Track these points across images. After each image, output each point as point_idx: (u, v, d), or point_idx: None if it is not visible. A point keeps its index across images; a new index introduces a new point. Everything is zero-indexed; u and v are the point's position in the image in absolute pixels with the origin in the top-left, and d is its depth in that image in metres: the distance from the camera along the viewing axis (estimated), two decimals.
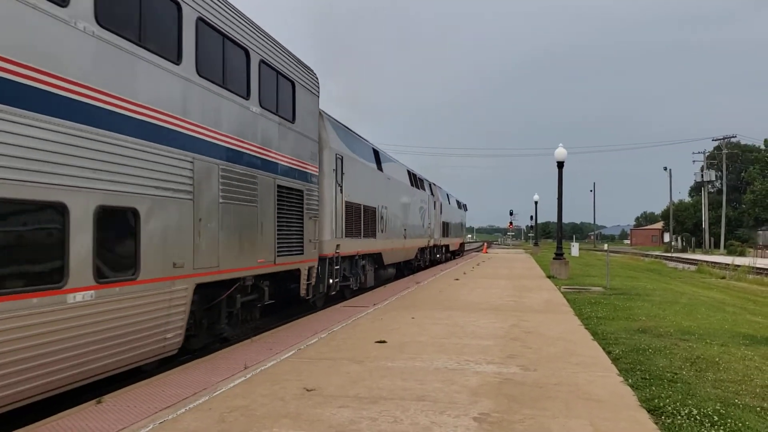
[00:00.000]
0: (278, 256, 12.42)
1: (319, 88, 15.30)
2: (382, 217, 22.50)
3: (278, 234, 12.39)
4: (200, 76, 9.64)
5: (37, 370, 6.34)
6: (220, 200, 10.05)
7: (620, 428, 6.03)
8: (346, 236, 17.52)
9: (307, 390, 7.30)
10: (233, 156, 10.58)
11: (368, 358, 9.13)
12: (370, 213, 20.70)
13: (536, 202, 61.95)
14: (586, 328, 12.05)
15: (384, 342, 10.34)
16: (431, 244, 35.57)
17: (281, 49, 13.09)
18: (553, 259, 27.22)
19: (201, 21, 9.72)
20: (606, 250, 28.48)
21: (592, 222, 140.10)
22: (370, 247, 20.79)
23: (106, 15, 7.48)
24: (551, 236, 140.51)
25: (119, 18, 7.83)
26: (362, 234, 19.55)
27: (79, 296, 6.83)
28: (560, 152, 26.15)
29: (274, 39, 12.73)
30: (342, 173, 17.26)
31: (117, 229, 7.71)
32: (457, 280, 24.08)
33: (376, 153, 22.96)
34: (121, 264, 7.67)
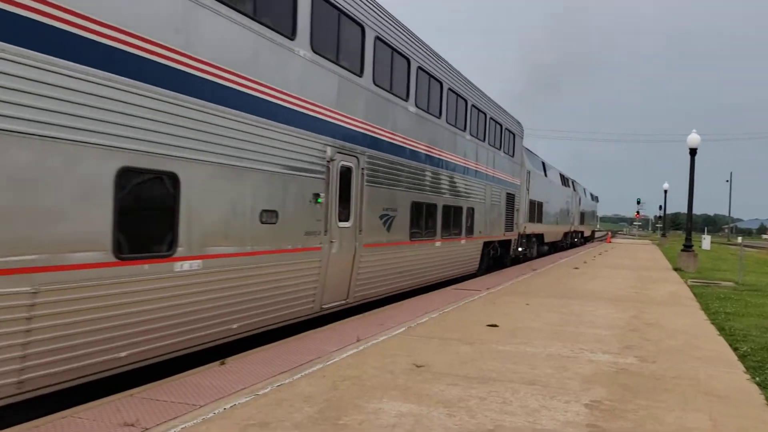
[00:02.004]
0: (505, 231, 22.50)
1: (523, 132, 25.85)
2: (544, 209, 31.98)
3: (506, 220, 22.54)
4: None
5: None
6: (491, 202, 20.55)
7: (743, 426, 5.71)
8: (528, 221, 27.57)
9: (417, 366, 7.43)
10: (496, 180, 21.18)
11: (479, 340, 9.14)
12: (539, 206, 30.36)
13: (666, 191, 58.89)
14: (713, 323, 11.42)
15: (496, 326, 10.29)
16: (572, 229, 44.63)
17: (509, 115, 23.07)
18: (681, 250, 25.86)
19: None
20: (740, 244, 26.71)
21: (727, 214, 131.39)
22: (538, 229, 30.56)
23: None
24: (681, 228, 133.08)
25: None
26: (535, 220, 29.59)
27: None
28: (693, 138, 24.69)
29: (501, 107, 21.76)
30: (528, 181, 27.50)
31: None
32: (576, 269, 23.44)
33: (543, 164, 33.71)
34: None
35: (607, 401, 6.29)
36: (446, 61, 15.98)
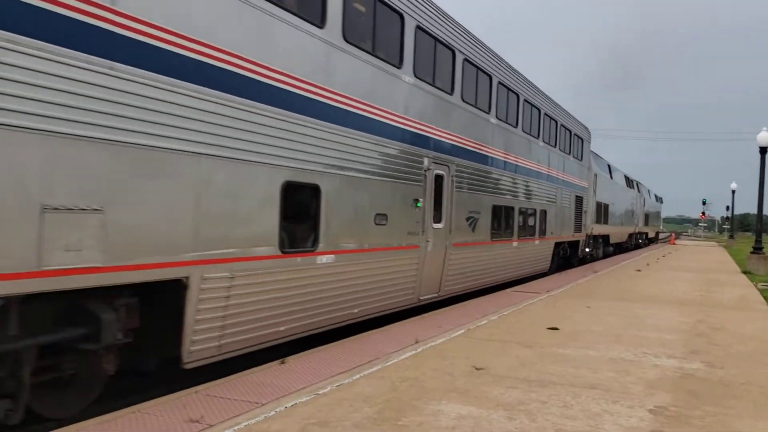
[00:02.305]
0: (574, 232, 23.60)
1: (590, 137, 26.99)
2: (610, 210, 32.53)
3: (575, 221, 23.51)
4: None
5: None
6: (562, 204, 21.62)
7: None
8: (595, 223, 28.30)
9: (476, 368, 7.39)
10: (566, 183, 22.34)
11: (539, 343, 9.03)
12: (605, 207, 31.03)
13: (733, 191, 56.95)
14: None
15: (556, 329, 10.14)
16: (636, 231, 44.75)
17: (577, 121, 24.43)
18: (750, 253, 24.95)
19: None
20: None
21: None
22: (604, 230, 31.27)
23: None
24: (749, 229, 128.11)
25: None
26: (602, 221, 30.30)
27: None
28: (763, 137, 23.81)
29: (570, 114, 23.13)
30: (595, 183, 28.15)
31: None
32: (638, 271, 22.88)
33: (609, 166, 34.59)
34: None
35: (672, 407, 6.13)
36: (522, 75, 17.47)
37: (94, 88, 5.44)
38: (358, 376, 6.92)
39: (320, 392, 6.28)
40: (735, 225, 69.94)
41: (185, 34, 6.36)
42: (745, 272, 24.00)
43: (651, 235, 56.57)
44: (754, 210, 26.88)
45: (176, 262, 6.33)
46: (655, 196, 60.94)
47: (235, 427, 5.24)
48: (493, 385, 6.73)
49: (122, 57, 5.69)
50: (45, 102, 5.05)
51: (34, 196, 4.99)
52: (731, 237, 62.71)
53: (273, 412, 5.64)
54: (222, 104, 6.83)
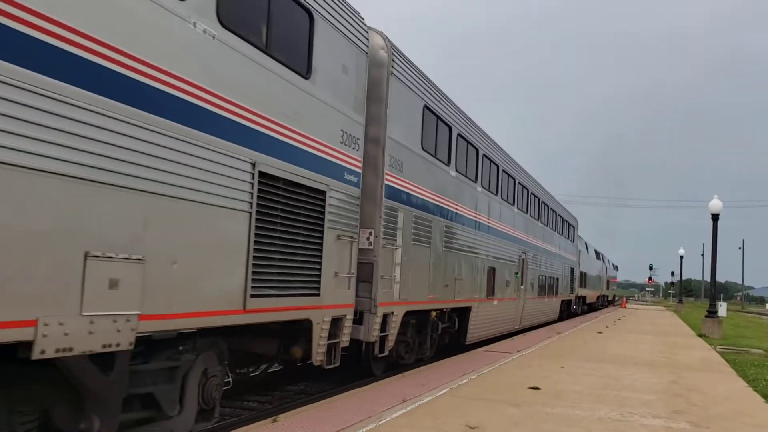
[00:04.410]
0: (570, 293, 33.36)
1: (578, 224, 36.42)
2: (587, 277, 41.27)
3: (570, 285, 32.95)
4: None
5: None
6: (564, 273, 30.63)
7: None
8: (579, 287, 36.86)
9: (470, 427, 7.31)
10: (566, 259, 31.54)
11: (525, 402, 9.01)
12: (583, 275, 39.31)
13: (681, 257, 58.76)
14: (755, 390, 11.22)
15: (538, 388, 10.14)
16: (602, 293, 53.59)
17: (570, 214, 33.81)
18: (705, 316, 25.60)
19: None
20: (766, 312, 26.42)
21: (739, 281, 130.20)
22: (584, 292, 40.10)
23: None
24: (693, 294, 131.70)
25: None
26: (583, 286, 39.32)
27: None
28: (715, 204, 24.82)
29: (566, 209, 32.87)
30: (579, 257, 36.31)
31: None
32: (600, 333, 23.18)
33: (586, 243, 43.33)
34: None
35: None
36: (543, 187, 25.77)
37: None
38: None
39: None
40: (681, 290, 71.95)
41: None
42: (700, 335, 24.54)
43: (610, 297, 64.07)
44: (695, 276, 27.97)
45: None
46: (613, 265, 70.35)
47: None
48: None
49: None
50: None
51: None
52: (680, 302, 64.31)
53: None
54: None
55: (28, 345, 4.31)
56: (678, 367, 13.92)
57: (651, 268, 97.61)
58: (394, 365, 11.90)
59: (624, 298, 66.33)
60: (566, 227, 31.43)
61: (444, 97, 13.30)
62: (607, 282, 59.14)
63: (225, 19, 6.20)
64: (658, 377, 12.21)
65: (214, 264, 6.16)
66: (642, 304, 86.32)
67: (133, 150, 5.12)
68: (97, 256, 4.76)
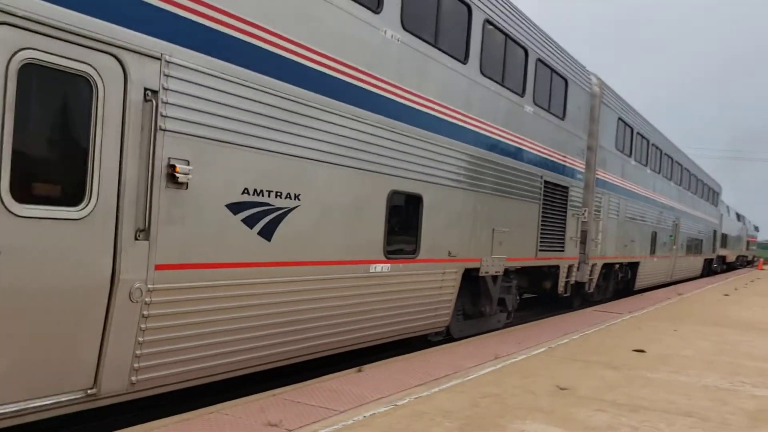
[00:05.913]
0: (712, 252, 37.24)
1: (721, 189, 39.54)
2: (728, 238, 44.57)
3: (713, 245, 36.95)
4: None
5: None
6: (708, 235, 34.98)
7: None
8: (720, 247, 40.22)
9: (560, 388, 7.05)
10: (708, 222, 34.61)
11: (625, 365, 8.58)
12: (724, 237, 42.50)
13: None
14: None
15: (643, 351, 9.64)
16: (740, 254, 55.32)
17: (714, 180, 36.80)
18: None
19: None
20: None
21: None
22: (724, 252, 42.98)
23: None
24: None
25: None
26: (724, 246, 42.83)
27: None
28: None
29: (710, 177, 35.78)
30: (721, 221, 39.49)
31: None
32: (726, 295, 21.72)
33: (727, 207, 46.09)
34: None
35: None
36: (692, 161, 28.89)
37: None
38: (437, 389, 6.71)
39: (398, 403, 6.10)
40: None
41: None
42: None
43: (749, 258, 64.80)
44: None
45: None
46: (754, 226, 71.57)
47: None
48: (578, 406, 6.38)
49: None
50: None
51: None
52: None
53: (351, 421, 5.49)
54: None
55: (477, 270, 10.02)
56: None
57: None
58: (586, 302, 16.50)
59: (761, 259, 61.81)
60: (711, 194, 35.66)
61: (629, 107, 17.95)
62: (747, 243, 60.86)
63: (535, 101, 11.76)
64: None
65: (526, 233, 11.55)
66: None
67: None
68: (495, 230, 10.38)
